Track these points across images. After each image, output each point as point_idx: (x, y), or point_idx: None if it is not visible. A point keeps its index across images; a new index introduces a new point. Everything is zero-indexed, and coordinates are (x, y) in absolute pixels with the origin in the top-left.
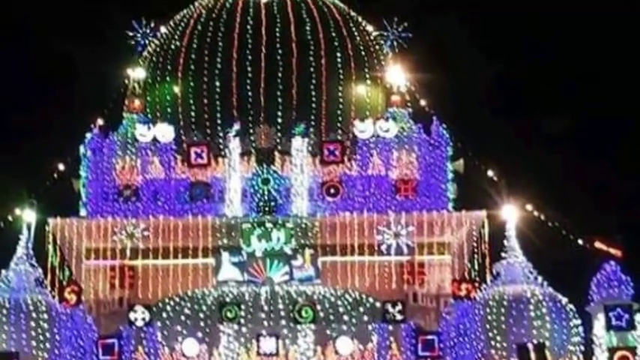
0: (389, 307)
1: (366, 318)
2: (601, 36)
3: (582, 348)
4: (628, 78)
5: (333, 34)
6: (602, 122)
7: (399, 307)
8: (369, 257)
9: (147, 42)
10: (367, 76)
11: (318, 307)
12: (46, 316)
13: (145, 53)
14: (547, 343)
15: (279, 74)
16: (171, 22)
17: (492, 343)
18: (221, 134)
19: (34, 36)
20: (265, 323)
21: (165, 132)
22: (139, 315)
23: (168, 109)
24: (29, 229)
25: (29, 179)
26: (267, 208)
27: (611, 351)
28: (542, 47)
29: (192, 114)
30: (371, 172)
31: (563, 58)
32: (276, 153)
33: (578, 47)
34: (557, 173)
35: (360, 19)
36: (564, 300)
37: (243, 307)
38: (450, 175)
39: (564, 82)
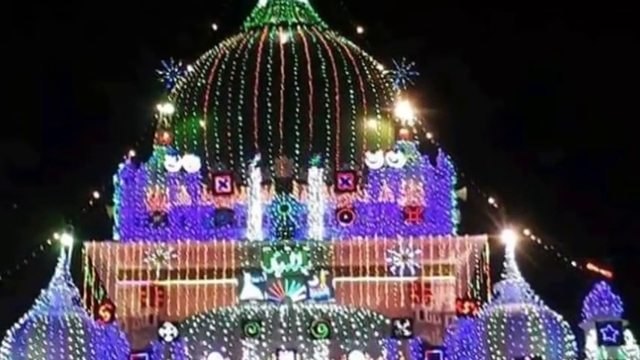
0: (398, 323)
1: (376, 334)
2: (593, 76)
3: None
4: (616, 115)
5: (347, 73)
6: (594, 155)
7: (407, 323)
8: (379, 278)
9: (175, 80)
10: (378, 111)
11: (333, 324)
12: (82, 332)
13: (174, 90)
14: (543, 357)
15: (297, 109)
16: (198, 62)
17: (493, 357)
18: (243, 165)
19: (74, 76)
20: (284, 338)
21: (191, 163)
22: (168, 331)
23: (195, 142)
24: (67, 252)
25: (67, 206)
26: (285, 233)
27: None
28: (538, 85)
29: (217, 146)
30: (381, 199)
31: (558, 95)
32: (294, 182)
33: (572, 86)
34: (552, 201)
35: (371, 58)
36: (559, 317)
37: (263, 323)
38: (454, 203)
39: (559, 117)
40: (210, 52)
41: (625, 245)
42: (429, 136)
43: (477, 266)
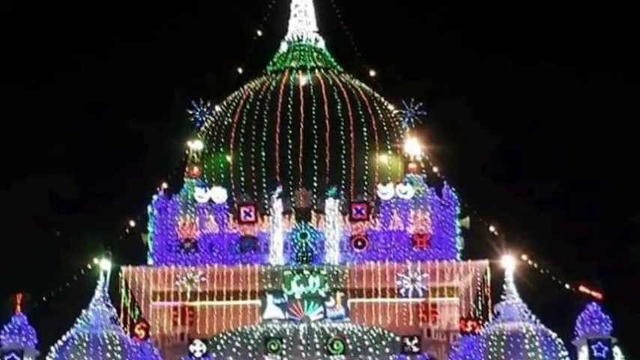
0: (407, 340)
1: (387, 350)
2: (583, 115)
3: None
4: (605, 152)
5: (360, 112)
6: (584, 187)
7: (416, 340)
8: (390, 299)
9: (204, 119)
10: (388, 147)
11: (348, 341)
12: (119, 348)
13: (203, 128)
14: None
15: (315, 146)
16: (225, 102)
17: None
18: (266, 196)
19: (112, 115)
20: (303, 355)
21: (219, 194)
22: (198, 347)
23: (222, 175)
24: (105, 275)
25: (105, 233)
26: (304, 258)
27: None
28: (534, 124)
29: (242, 179)
30: (392, 227)
31: (552, 133)
32: (313, 212)
33: (564, 125)
34: (547, 229)
35: (382, 99)
36: (554, 335)
37: (284, 340)
38: (458, 230)
39: (553, 153)
40: (235, 93)
41: (613, 269)
42: (435, 169)
43: (479, 288)
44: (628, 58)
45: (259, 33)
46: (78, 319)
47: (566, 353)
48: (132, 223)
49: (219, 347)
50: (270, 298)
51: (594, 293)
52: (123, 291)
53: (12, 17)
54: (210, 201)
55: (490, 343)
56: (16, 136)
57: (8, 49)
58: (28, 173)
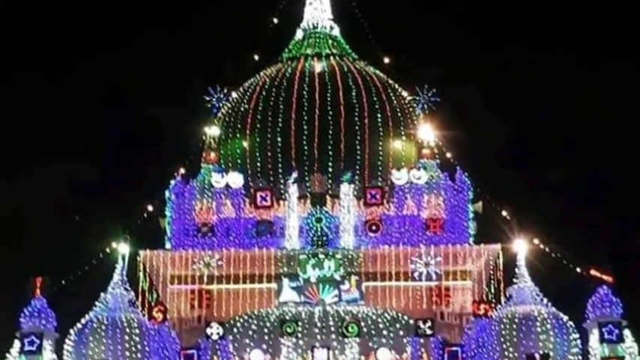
0: (420, 323)
1: (401, 333)
2: (594, 102)
3: (580, 358)
4: (615, 138)
5: (375, 99)
6: (595, 173)
7: (429, 323)
8: (404, 282)
9: (221, 105)
10: (402, 133)
11: (362, 324)
12: (137, 331)
13: (220, 114)
14: (551, 354)
15: (330, 132)
16: (241, 89)
17: (506, 353)
18: (282, 181)
19: (131, 102)
20: (318, 337)
21: (235, 179)
22: (214, 330)
23: (239, 160)
24: (123, 259)
25: (124, 218)
26: (320, 242)
27: None
28: (546, 110)
29: (258, 164)
30: (405, 212)
31: (563, 119)
32: (328, 196)
33: (576, 111)
34: (558, 213)
35: (396, 86)
36: (565, 318)
37: (300, 323)
38: (471, 215)
39: (564, 139)
40: (252, 80)
41: (624, 253)
42: (448, 155)
43: (492, 272)
44: None
45: (275, 21)
46: (97, 303)
47: (577, 336)
48: (150, 208)
49: (235, 330)
50: (285, 281)
51: (605, 277)
52: (141, 274)
53: (34, 6)
54: (227, 186)
55: (502, 326)
56: (36, 123)
57: (29, 37)
58: (48, 159)
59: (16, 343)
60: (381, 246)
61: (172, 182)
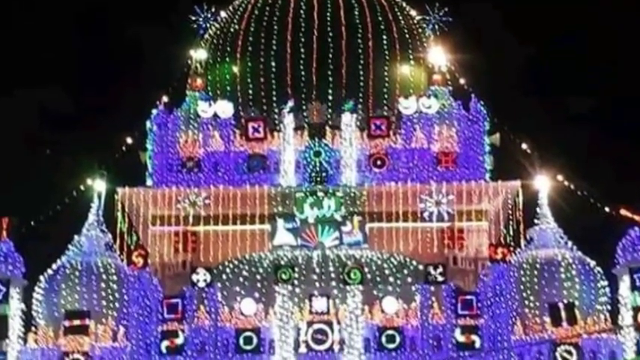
0: (431, 269)
1: (409, 279)
2: (624, 23)
3: (609, 307)
4: None
5: (380, 18)
6: (624, 102)
7: (440, 269)
8: (412, 224)
9: (208, 26)
10: (411, 56)
11: (366, 270)
12: (115, 277)
13: (207, 36)
14: (576, 303)
15: (330, 55)
16: (231, 7)
17: (526, 302)
18: (276, 110)
19: (108, 22)
20: (317, 284)
21: (224, 108)
22: (201, 277)
23: (228, 87)
24: (100, 197)
25: (100, 152)
26: (318, 179)
27: (636, 310)
28: (570, 33)
29: (250, 92)
30: (414, 145)
31: (590, 43)
32: (327, 128)
33: (604, 34)
34: (584, 147)
35: (404, 4)
36: (592, 263)
37: (296, 269)
38: (487, 148)
39: (590, 65)
40: None
41: None
42: (462, 81)
43: (510, 212)
44: None
45: None
46: (70, 246)
47: (605, 283)
48: (129, 141)
49: (224, 276)
50: (280, 222)
51: (637, 217)
52: (119, 215)
53: None
54: (215, 116)
55: (522, 272)
56: (2, 45)
57: None
58: (16, 86)
59: None
60: (386, 183)
61: (154, 112)
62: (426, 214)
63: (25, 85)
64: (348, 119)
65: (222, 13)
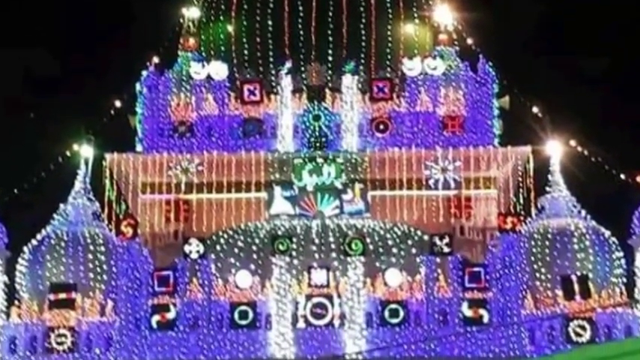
0: (436, 239)
1: (414, 250)
2: None
3: (624, 279)
4: None
5: None
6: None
7: (447, 239)
8: (417, 191)
9: None
10: (415, 15)
11: (368, 240)
12: (103, 248)
13: None
14: (590, 275)
15: (330, 13)
16: None
17: (537, 274)
18: (273, 72)
19: None
20: (316, 255)
21: (219, 69)
22: (194, 248)
23: (222, 48)
24: (87, 164)
25: (87, 116)
26: (318, 144)
27: None
28: None
29: (246, 52)
30: (419, 108)
31: (604, 1)
32: (327, 90)
33: None
34: (598, 111)
35: None
36: (607, 233)
37: (294, 239)
38: (496, 112)
39: (604, 25)
40: None
41: None
42: (469, 41)
43: (520, 179)
44: None
45: None
46: (55, 215)
47: (621, 254)
48: (118, 104)
49: (218, 247)
50: (277, 190)
51: None
52: (107, 182)
53: None
54: (209, 77)
55: (533, 243)
56: None
57: None
58: None
59: None
60: (390, 148)
61: (144, 73)
62: (431, 182)
63: (8, 46)
64: (349, 81)
65: None
